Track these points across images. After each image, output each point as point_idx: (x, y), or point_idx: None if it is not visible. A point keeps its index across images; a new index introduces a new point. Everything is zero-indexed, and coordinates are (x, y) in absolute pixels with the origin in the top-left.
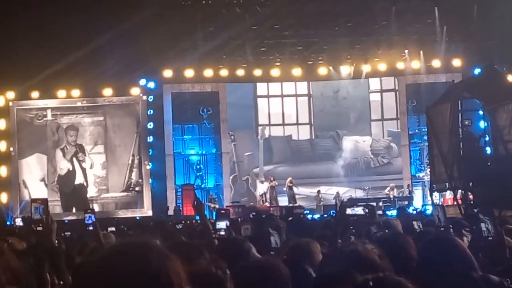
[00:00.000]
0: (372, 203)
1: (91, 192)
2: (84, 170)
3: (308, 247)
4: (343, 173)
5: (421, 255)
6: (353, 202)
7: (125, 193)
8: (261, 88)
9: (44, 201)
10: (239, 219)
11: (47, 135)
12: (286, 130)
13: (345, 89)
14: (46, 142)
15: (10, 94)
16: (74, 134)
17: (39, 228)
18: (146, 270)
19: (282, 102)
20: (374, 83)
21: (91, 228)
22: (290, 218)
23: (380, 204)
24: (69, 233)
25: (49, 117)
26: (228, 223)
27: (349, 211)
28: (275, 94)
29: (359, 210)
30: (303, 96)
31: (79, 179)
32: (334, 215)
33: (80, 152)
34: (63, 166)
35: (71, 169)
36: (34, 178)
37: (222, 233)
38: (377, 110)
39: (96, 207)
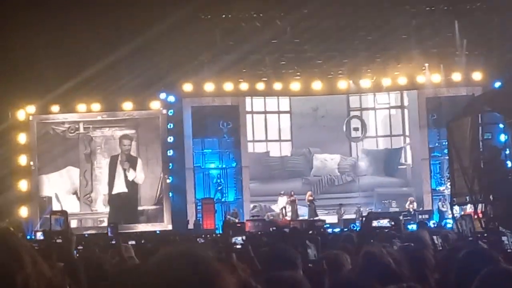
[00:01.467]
0: (398, 216)
1: None
2: (134, 182)
3: (337, 258)
4: (306, 191)
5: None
6: (376, 215)
7: (156, 206)
8: (247, 104)
9: (64, 213)
10: (259, 232)
11: (79, 148)
12: (269, 146)
13: (323, 107)
14: (78, 155)
15: (30, 109)
16: (128, 144)
17: (59, 240)
18: (200, 281)
19: (265, 118)
20: (355, 102)
21: (113, 242)
22: (311, 232)
23: (401, 217)
24: (81, 247)
25: (81, 130)
26: (244, 237)
27: (375, 223)
28: (259, 110)
29: (384, 222)
30: (285, 113)
31: (129, 190)
32: (354, 228)
33: (128, 162)
34: (114, 176)
35: (121, 179)
36: (67, 191)
37: (239, 246)
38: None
39: None
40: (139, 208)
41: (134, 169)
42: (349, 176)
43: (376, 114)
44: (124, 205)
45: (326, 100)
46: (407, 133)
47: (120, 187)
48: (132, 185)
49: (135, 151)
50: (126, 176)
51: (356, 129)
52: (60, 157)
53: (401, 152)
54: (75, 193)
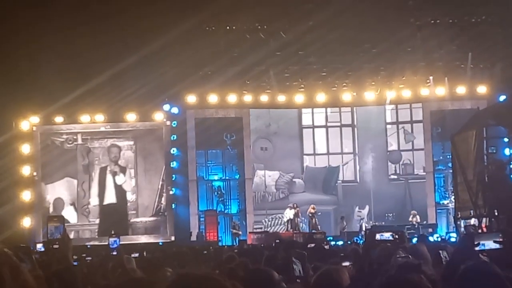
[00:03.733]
0: (401, 230)
1: None
2: (124, 192)
3: (336, 274)
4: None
5: None
6: (378, 229)
7: (154, 218)
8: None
9: (61, 219)
10: (261, 245)
11: (77, 159)
12: None
13: (276, 124)
14: (76, 166)
15: (34, 119)
16: (116, 152)
17: (56, 246)
18: None
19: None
20: (307, 119)
21: (115, 253)
22: (313, 245)
23: (404, 231)
24: (89, 258)
25: (79, 141)
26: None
27: (377, 236)
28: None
29: (388, 236)
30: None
31: (119, 201)
32: (357, 241)
33: (121, 173)
34: (104, 186)
35: (111, 190)
36: (64, 202)
37: None
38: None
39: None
40: (136, 219)
41: (124, 174)
42: (283, 193)
43: (328, 131)
44: (114, 216)
45: (279, 117)
46: (356, 151)
47: (110, 198)
48: (121, 194)
49: (132, 161)
50: (115, 182)
51: (263, 148)
52: (58, 168)
53: (339, 170)
54: (72, 204)
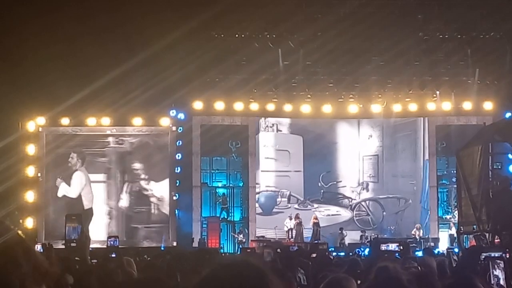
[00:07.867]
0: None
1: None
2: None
3: (345, 282)
4: None
5: None
6: (384, 240)
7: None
8: None
9: (79, 217)
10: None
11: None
12: None
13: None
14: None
15: (40, 120)
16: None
17: (73, 244)
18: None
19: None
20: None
21: (113, 255)
22: (314, 255)
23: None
24: (95, 261)
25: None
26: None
27: (383, 247)
28: None
29: (394, 247)
30: None
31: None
32: (359, 253)
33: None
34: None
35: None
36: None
37: None
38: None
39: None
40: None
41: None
42: None
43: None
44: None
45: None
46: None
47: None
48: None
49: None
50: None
51: None
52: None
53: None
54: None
